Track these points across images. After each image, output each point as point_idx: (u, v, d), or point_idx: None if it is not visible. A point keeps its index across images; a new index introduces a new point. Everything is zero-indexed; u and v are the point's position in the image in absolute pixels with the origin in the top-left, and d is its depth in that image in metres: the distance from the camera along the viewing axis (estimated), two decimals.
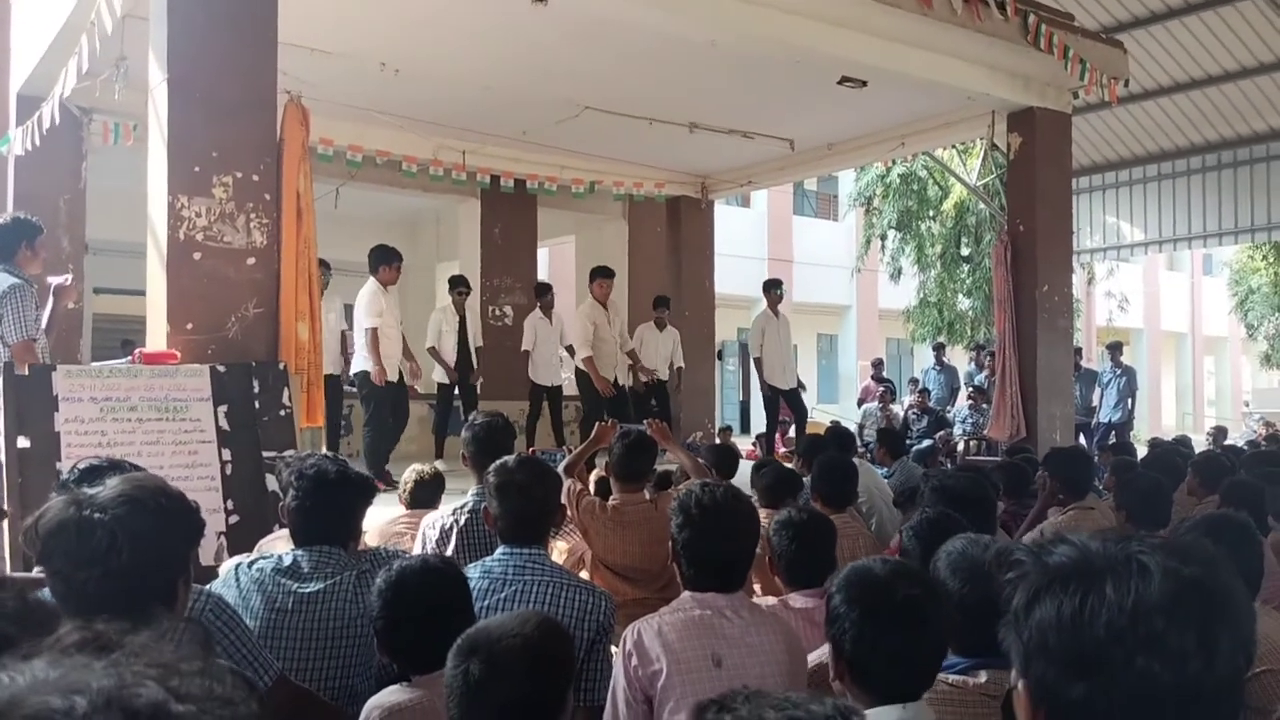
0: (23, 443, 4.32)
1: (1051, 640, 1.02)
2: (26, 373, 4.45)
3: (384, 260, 7.80)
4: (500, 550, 2.94)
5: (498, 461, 3.07)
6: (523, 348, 9.85)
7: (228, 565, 3.01)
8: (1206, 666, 0.97)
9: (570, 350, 9.59)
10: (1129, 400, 12.64)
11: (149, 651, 0.65)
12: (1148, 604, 0.98)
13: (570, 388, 9.96)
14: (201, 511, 4.33)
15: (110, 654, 0.65)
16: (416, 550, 3.71)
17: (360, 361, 7.69)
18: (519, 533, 2.94)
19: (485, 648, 1.85)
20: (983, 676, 2.17)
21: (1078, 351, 12.37)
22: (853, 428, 11.49)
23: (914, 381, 15.17)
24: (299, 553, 2.78)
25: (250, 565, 2.81)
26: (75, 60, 6.25)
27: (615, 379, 9.52)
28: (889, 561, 2.03)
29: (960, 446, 11.59)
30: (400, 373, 7.92)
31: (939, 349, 14.83)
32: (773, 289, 9.99)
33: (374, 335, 7.57)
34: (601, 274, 9.50)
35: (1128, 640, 0.98)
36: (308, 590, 2.70)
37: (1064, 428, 9.11)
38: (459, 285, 9.55)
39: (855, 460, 5.43)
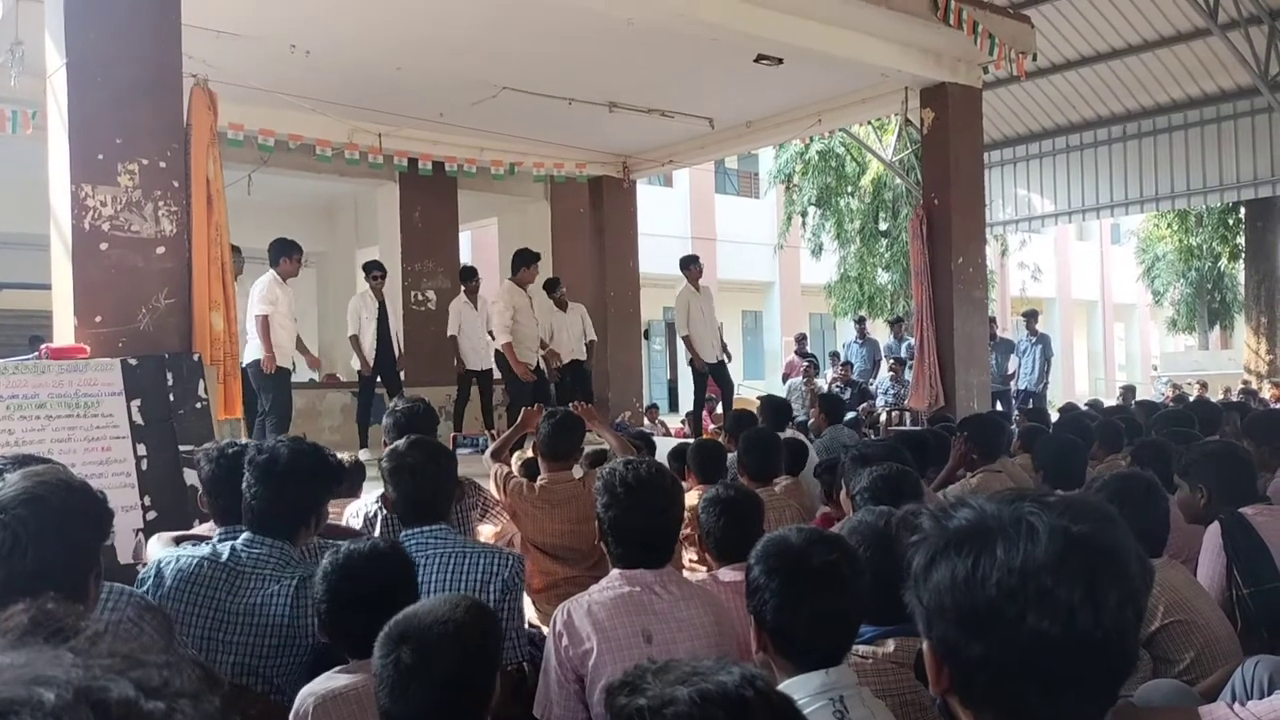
0: None
1: (948, 601, 1.05)
2: None
3: (284, 253, 7.78)
4: (403, 534, 2.93)
5: (389, 447, 3.06)
6: (448, 333, 9.78)
7: (153, 552, 2.92)
8: (1094, 620, 1.01)
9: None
10: (1045, 367, 13.00)
11: (109, 641, 0.62)
12: (1035, 563, 1.02)
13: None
14: (118, 510, 4.24)
15: (66, 639, 0.62)
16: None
17: (252, 350, 7.55)
18: (417, 513, 2.94)
19: (416, 635, 1.84)
20: (890, 645, 2.22)
21: (992, 321, 12.68)
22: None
23: (835, 355, 15.40)
24: (238, 541, 2.69)
25: (177, 560, 2.71)
26: None
27: (537, 364, 9.45)
28: (804, 529, 2.07)
29: (883, 418, 11.82)
30: (293, 363, 7.94)
31: (860, 323, 15.07)
32: (690, 264, 9.98)
33: (264, 323, 7.50)
34: (527, 258, 9.42)
35: (1018, 598, 1.02)
36: (242, 601, 2.60)
37: (981, 395, 9.35)
38: (375, 270, 9.40)
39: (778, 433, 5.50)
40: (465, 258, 13.96)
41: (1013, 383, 12.76)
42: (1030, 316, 13.49)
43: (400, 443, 3.05)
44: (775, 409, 6.91)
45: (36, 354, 4.81)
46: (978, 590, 1.03)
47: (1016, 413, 10.62)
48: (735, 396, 11.11)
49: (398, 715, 1.83)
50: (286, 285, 7.77)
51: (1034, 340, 13.01)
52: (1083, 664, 1.03)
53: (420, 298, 11.53)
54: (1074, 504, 1.08)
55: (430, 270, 11.64)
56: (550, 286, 10.23)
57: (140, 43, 5.19)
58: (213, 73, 5.82)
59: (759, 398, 11.62)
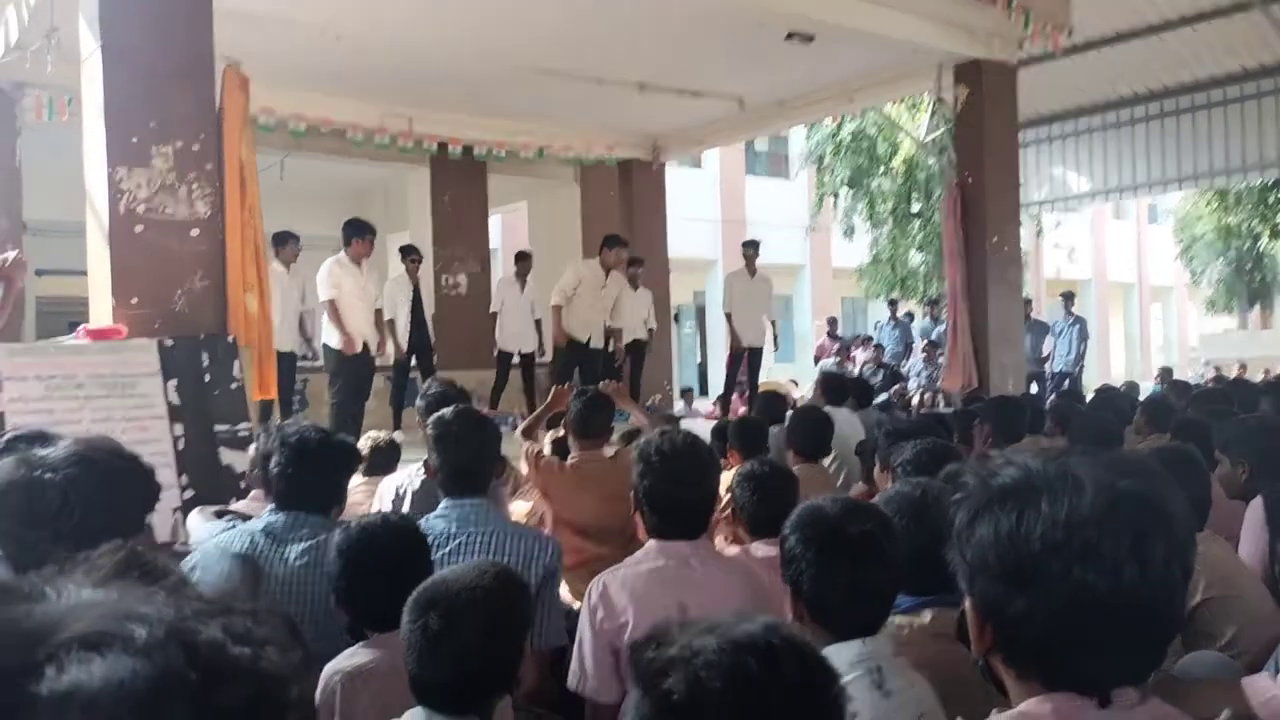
0: None
1: (991, 557, 1.04)
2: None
3: (356, 233, 7.78)
4: (442, 504, 2.94)
5: (435, 414, 3.07)
6: (490, 309, 9.86)
7: (202, 521, 2.97)
8: (1141, 575, 1.00)
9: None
10: (1081, 349, 12.85)
11: (198, 586, 0.63)
12: (1080, 515, 1.00)
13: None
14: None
15: (155, 581, 0.63)
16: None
17: (326, 334, 7.61)
18: (459, 483, 2.94)
19: (444, 600, 1.84)
20: (927, 615, 2.20)
21: (1027, 303, 12.55)
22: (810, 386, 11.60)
23: (867, 339, 15.32)
24: (278, 518, 2.74)
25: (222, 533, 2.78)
26: (2, 33, 6.08)
27: (589, 340, 9.45)
28: (838, 500, 2.06)
29: (915, 400, 11.74)
30: (365, 345, 7.84)
31: (893, 305, 14.98)
32: (747, 248, 10.07)
33: (332, 307, 7.53)
34: (611, 242, 9.41)
35: (1063, 552, 1.00)
36: (293, 561, 2.67)
37: (1016, 377, 9.25)
38: (411, 254, 9.46)
39: (831, 410, 5.47)
40: (495, 242, 13.99)
41: (1048, 365, 12.63)
42: (1068, 298, 13.36)
43: (447, 410, 3.08)
44: (830, 386, 6.89)
45: (74, 335, 4.87)
46: (1022, 544, 1.02)
47: (1052, 395, 10.52)
48: (764, 380, 11.11)
49: (426, 680, 1.84)
50: (358, 266, 7.74)
51: (1071, 322, 12.87)
52: (1128, 621, 1.01)
53: (451, 281, 11.57)
54: (1120, 460, 1.06)
55: (461, 254, 11.67)
56: (631, 262, 10.23)
57: (173, 26, 5.23)
58: (245, 56, 5.84)
59: (792, 380, 11.60)
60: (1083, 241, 26.38)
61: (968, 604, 1.11)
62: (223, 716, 0.53)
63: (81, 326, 4.95)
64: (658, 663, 0.97)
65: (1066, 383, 12.34)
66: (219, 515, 3.07)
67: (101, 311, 5.05)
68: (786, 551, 1.95)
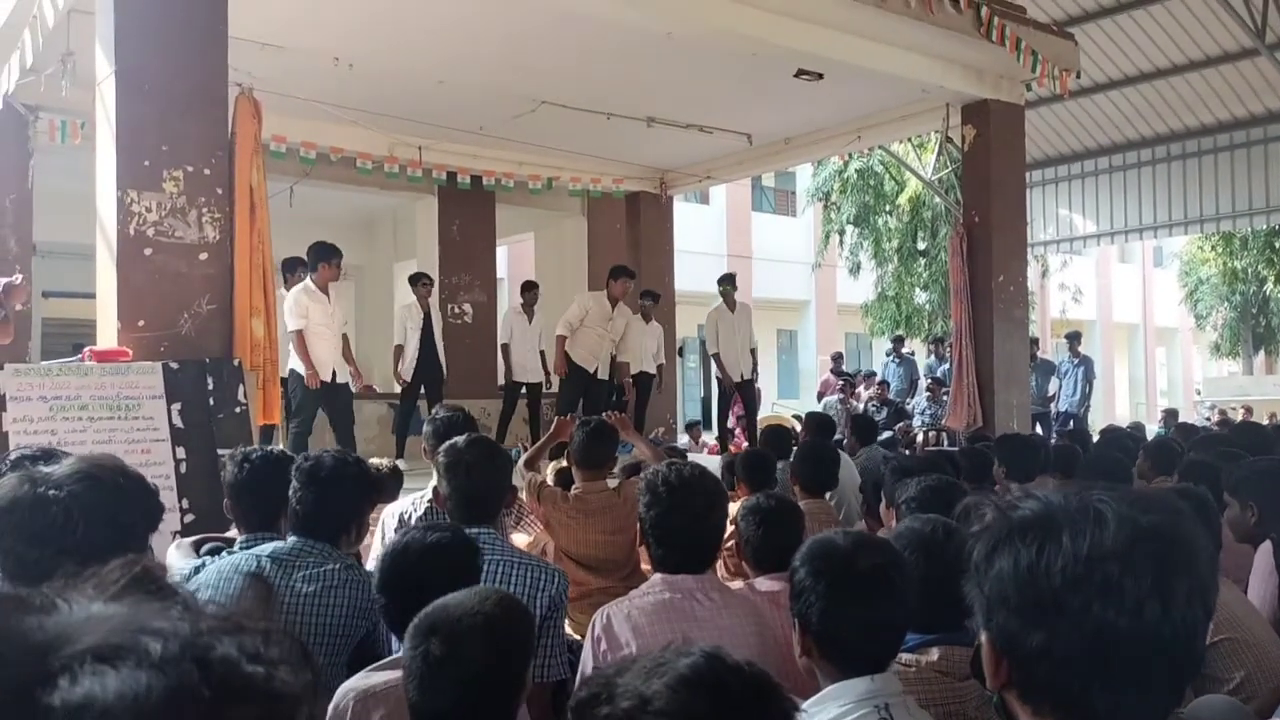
0: None
1: (1010, 591, 1.02)
2: (9, 342, 4.42)
3: (322, 258, 7.44)
4: None
5: (447, 442, 3.05)
6: (499, 341, 9.87)
7: (179, 557, 2.93)
8: (1163, 613, 0.98)
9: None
10: (1086, 389, 12.82)
11: (211, 603, 0.62)
12: (1103, 550, 0.98)
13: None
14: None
15: (165, 598, 0.62)
16: (376, 543, 3.67)
17: (292, 363, 7.32)
18: (469, 512, 2.92)
19: (445, 626, 1.81)
20: (934, 653, 2.17)
21: (1035, 342, 12.54)
22: None
23: (871, 375, 15.29)
24: (287, 543, 2.72)
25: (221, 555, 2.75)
26: (18, 56, 6.14)
27: (596, 370, 9.42)
28: (850, 533, 2.03)
29: (919, 437, 11.70)
30: (334, 373, 7.46)
31: (898, 342, 14.97)
32: (723, 284, 10.03)
33: (299, 338, 7.23)
34: (618, 273, 9.41)
35: (1083, 587, 0.98)
36: (301, 590, 2.63)
37: (1021, 417, 9.22)
38: (421, 280, 9.39)
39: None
40: (501, 272, 14.03)
41: (1053, 405, 12.59)
42: (1073, 338, 13.34)
43: (459, 439, 3.05)
44: (819, 425, 6.86)
45: (80, 357, 4.87)
46: (1042, 579, 0.99)
47: (1055, 435, 10.47)
48: (769, 414, 11.08)
49: (427, 709, 1.81)
50: (324, 292, 7.45)
51: (1076, 362, 12.85)
52: (1148, 660, 0.99)
53: (457, 311, 11.59)
54: (1143, 496, 1.04)
55: (467, 284, 11.70)
56: (643, 295, 10.22)
57: (188, 53, 5.28)
58: (258, 83, 5.89)
59: (795, 415, 11.57)
60: (1088, 283, 26.43)
61: (983, 638, 1.09)
62: None
63: (87, 348, 4.95)
64: (612, 718, 0.96)
65: (1071, 423, 12.29)
66: (197, 547, 3.01)
67: (108, 333, 5.05)
68: (796, 584, 1.93)
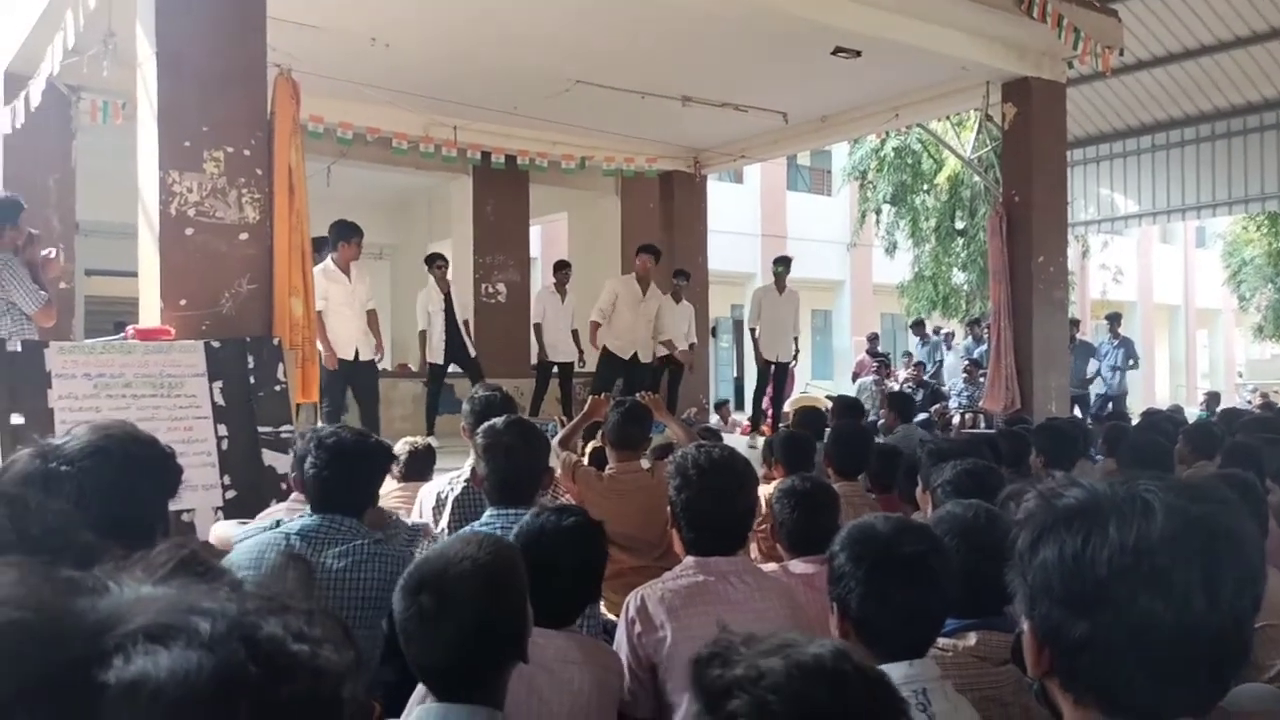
0: (16, 419, 4.30)
1: (1054, 580, 1.01)
2: (52, 324, 4.52)
3: (342, 236, 7.42)
4: (488, 513, 2.93)
5: (486, 423, 3.07)
6: (532, 320, 9.92)
7: (224, 533, 2.98)
8: (1210, 604, 0.97)
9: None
10: (1126, 371, 12.67)
11: (257, 584, 0.64)
12: (1150, 540, 0.97)
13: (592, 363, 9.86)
14: (199, 489, 4.34)
15: (212, 579, 0.64)
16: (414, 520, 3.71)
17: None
18: (506, 494, 2.94)
19: (434, 579, 1.77)
20: (972, 638, 2.16)
21: (1076, 324, 12.39)
22: None
23: (908, 355, 15.22)
24: (312, 520, 2.75)
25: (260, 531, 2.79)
26: (61, 37, 6.19)
27: (636, 354, 9.44)
28: (890, 518, 2.02)
29: (955, 419, 11.62)
30: (357, 352, 7.51)
31: (918, 325, 14.96)
32: (777, 265, 10.11)
33: (318, 319, 7.06)
34: (641, 250, 9.41)
35: (1130, 578, 0.97)
36: (331, 563, 2.67)
37: (1059, 399, 9.13)
38: (436, 261, 9.39)
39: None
40: (535, 252, 14.05)
41: (1092, 387, 12.45)
42: (1113, 319, 13.16)
43: (498, 420, 3.08)
44: (847, 407, 6.83)
45: (123, 335, 4.95)
46: (1087, 569, 0.99)
47: (1091, 418, 10.36)
48: (802, 394, 11.06)
49: (427, 664, 1.77)
50: (344, 271, 7.45)
51: (1116, 344, 12.68)
52: (1194, 651, 0.98)
53: (491, 290, 11.65)
54: (1191, 485, 1.03)
55: (501, 263, 11.75)
56: (675, 274, 10.21)
57: (227, 33, 5.32)
58: (295, 64, 5.92)
59: (829, 396, 11.54)
60: (1129, 263, 26.01)
61: (1025, 626, 1.08)
62: (281, 710, 0.54)
63: (130, 327, 5.03)
64: (722, 682, 0.96)
65: (1110, 406, 12.15)
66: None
67: (150, 312, 5.13)
68: (835, 569, 1.92)
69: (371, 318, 7.75)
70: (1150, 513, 0.99)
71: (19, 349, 4.46)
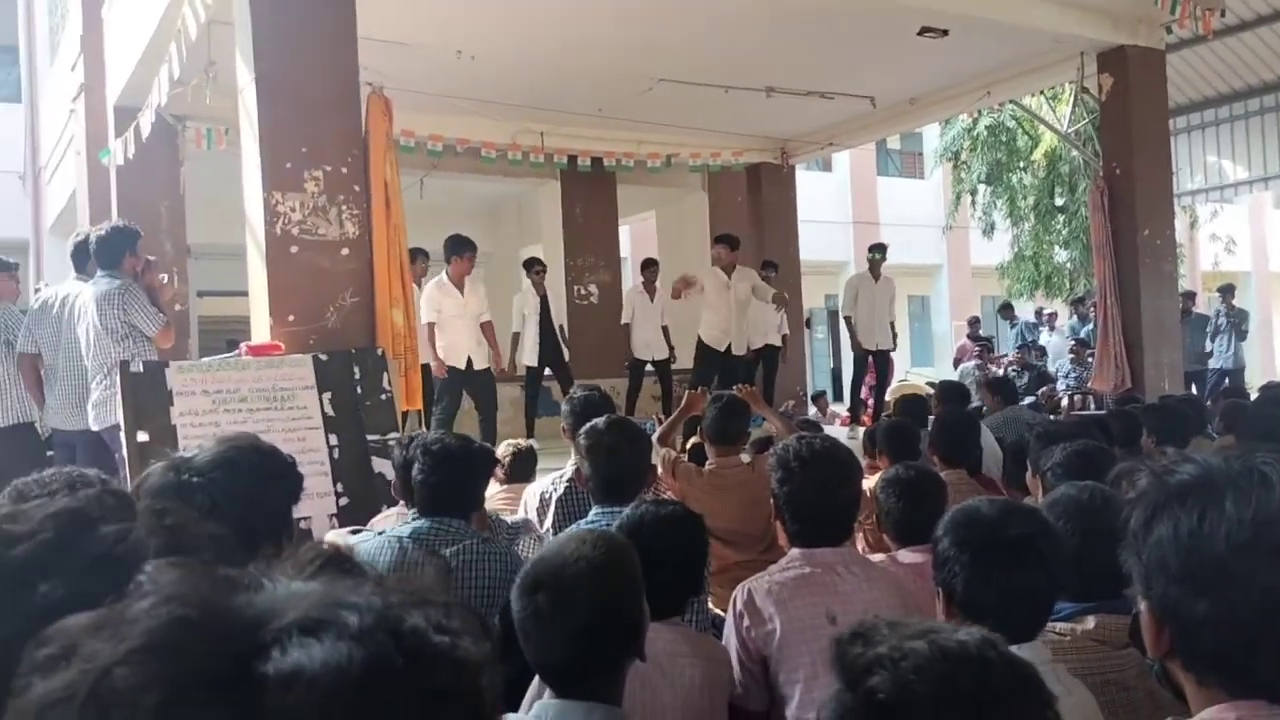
0: (142, 436, 4.52)
1: (1170, 558, 0.99)
2: (171, 345, 4.77)
3: (455, 251, 7.76)
4: (593, 512, 2.98)
5: (588, 424, 3.12)
6: (622, 320, 9.99)
7: (337, 542, 3.09)
8: None
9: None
10: (1241, 344, 12.15)
11: (398, 580, 0.67)
12: (1269, 514, 0.95)
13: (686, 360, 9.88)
14: (314, 496, 4.49)
15: (356, 575, 0.67)
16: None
17: (424, 355, 7.73)
18: (610, 492, 2.98)
19: (550, 578, 1.80)
20: (1090, 622, 2.11)
21: (1191, 296, 11.94)
22: None
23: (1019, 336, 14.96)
24: (422, 524, 2.84)
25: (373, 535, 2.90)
26: (166, 68, 6.48)
27: (729, 346, 9.42)
28: (996, 501, 1.99)
29: (1064, 402, 11.30)
30: (470, 360, 7.81)
31: (1006, 309, 14.68)
32: (874, 252, 10.02)
33: (429, 330, 7.60)
34: (717, 241, 9.40)
35: (1250, 553, 0.95)
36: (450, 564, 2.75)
37: (1172, 376, 8.80)
38: (534, 266, 9.60)
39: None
40: (625, 252, 14.13)
41: (1210, 362, 11.97)
42: (1226, 291, 12.64)
43: (599, 421, 3.13)
44: (952, 393, 6.70)
45: (237, 352, 5.15)
46: (1204, 545, 0.97)
47: (1210, 395, 9.97)
48: (902, 382, 10.90)
49: (547, 662, 1.80)
50: (458, 285, 7.77)
51: (1230, 317, 12.17)
52: None
53: (583, 292, 11.75)
54: None
55: (592, 265, 11.85)
56: (763, 265, 10.21)
57: (321, 57, 5.49)
58: (386, 82, 6.07)
59: (929, 383, 11.34)
60: (1241, 232, 24.88)
61: (1143, 607, 1.06)
62: (424, 700, 0.57)
63: (243, 344, 5.23)
64: (864, 660, 0.96)
65: (1227, 381, 11.66)
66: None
67: (261, 329, 5.33)
68: (940, 554, 1.90)
69: (487, 329, 8.03)
70: (1269, 486, 0.96)
71: (141, 369, 4.68)
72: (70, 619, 0.60)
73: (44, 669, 0.56)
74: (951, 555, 1.86)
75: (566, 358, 9.54)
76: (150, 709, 0.52)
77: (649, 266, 10.19)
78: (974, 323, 15.09)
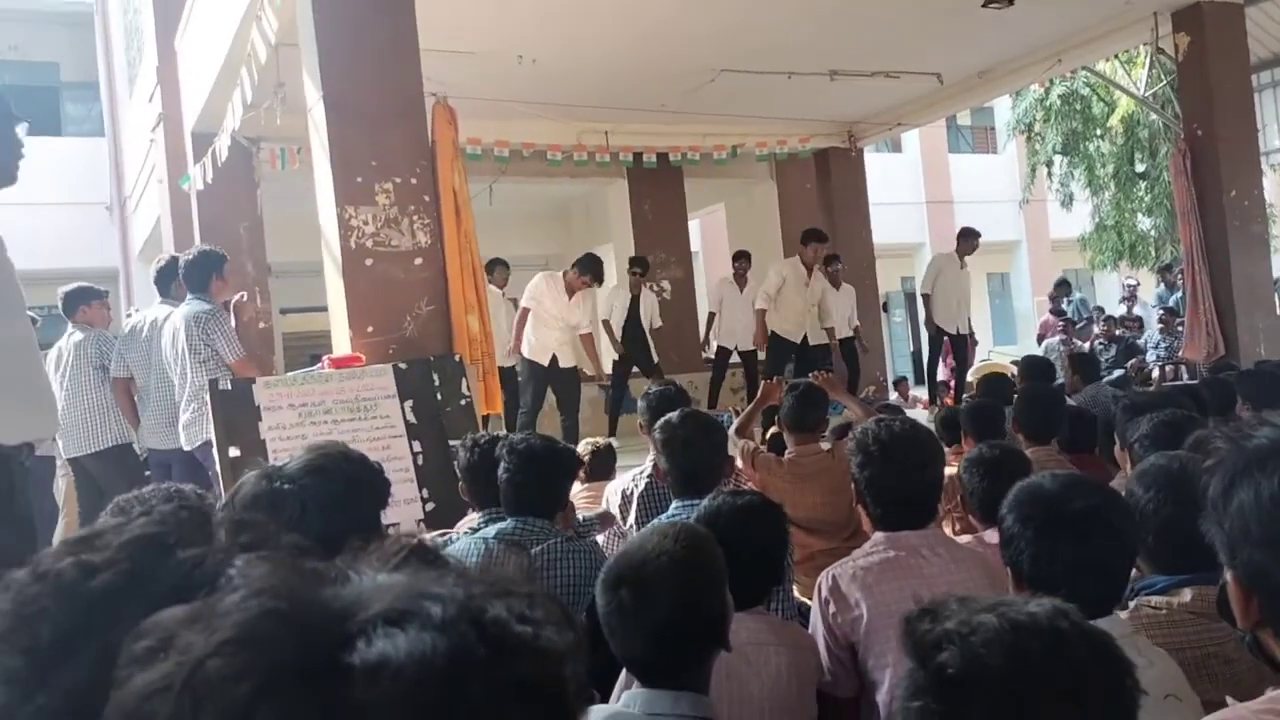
0: (233, 452, 4.66)
1: (1253, 524, 0.97)
2: (251, 376, 4.88)
3: (583, 270, 7.95)
4: (674, 505, 2.99)
5: (662, 419, 3.14)
6: (709, 309, 10.16)
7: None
8: None
9: None
10: None
11: (481, 570, 0.69)
12: None
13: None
14: (401, 503, 4.59)
15: (439, 567, 0.69)
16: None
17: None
18: (689, 485, 3.00)
19: (632, 574, 1.82)
20: (1187, 594, 2.06)
21: None
22: None
23: (1099, 310, 14.52)
24: (507, 524, 2.88)
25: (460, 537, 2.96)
26: (238, 93, 6.66)
27: (805, 338, 9.41)
28: (1059, 475, 1.95)
29: (1155, 373, 10.97)
30: (555, 358, 7.96)
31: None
32: (970, 238, 9.86)
33: (523, 313, 7.89)
34: (807, 236, 9.38)
35: None
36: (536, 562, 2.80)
37: (1269, 340, 8.48)
38: (634, 266, 9.78)
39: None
40: (695, 245, 14.09)
41: None
42: None
43: (674, 415, 3.16)
44: (1034, 369, 6.55)
45: (320, 365, 5.28)
46: None
47: None
48: (984, 361, 10.70)
49: (633, 656, 1.83)
50: (568, 293, 7.95)
51: None
52: None
53: (656, 288, 11.75)
54: None
55: (663, 261, 11.85)
56: (827, 260, 10.15)
57: (385, 71, 5.59)
58: (450, 91, 6.16)
59: (1014, 362, 11.10)
60: None
61: (1229, 576, 1.03)
62: (508, 689, 0.58)
63: (325, 357, 5.36)
64: (933, 635, 0.96)
65: None
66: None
67: (341, 342, 5.45)
68: (1005, 532, 1.88)
69: (586, 340, 8.24)
70: None
71: (229, 387, 4.83)
72: (165, 612, 0.62)
73: (142, 661, 0.59)
74: (1016, 532, 1.83)
75: (655, 359, 9.60)
76: (242, 699, 0.54)
77: (740, 258, 10.26)
78: (1055, 297, 14.65)
